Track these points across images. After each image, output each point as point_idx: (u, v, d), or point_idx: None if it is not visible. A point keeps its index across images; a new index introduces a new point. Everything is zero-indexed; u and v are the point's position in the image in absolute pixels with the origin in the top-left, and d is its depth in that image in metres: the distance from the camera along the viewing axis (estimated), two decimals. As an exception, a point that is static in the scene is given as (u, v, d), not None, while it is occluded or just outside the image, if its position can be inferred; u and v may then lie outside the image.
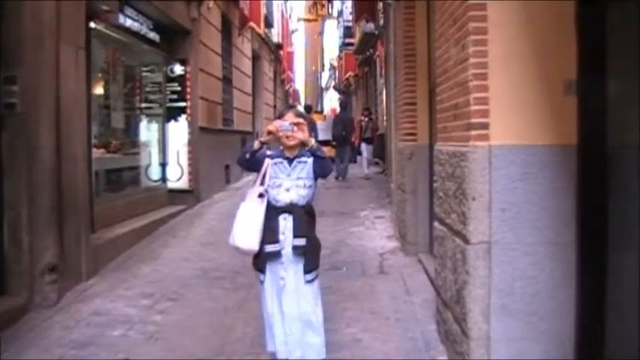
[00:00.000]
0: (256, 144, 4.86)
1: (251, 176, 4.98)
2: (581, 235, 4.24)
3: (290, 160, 4.84)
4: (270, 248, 4.75)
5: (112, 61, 10.97)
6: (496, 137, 4.29)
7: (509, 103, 4.32)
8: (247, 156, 4.86)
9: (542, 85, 4.35)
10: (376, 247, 9.60)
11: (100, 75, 10.36)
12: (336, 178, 19.84)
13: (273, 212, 4.78)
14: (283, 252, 4.75)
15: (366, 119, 22.05)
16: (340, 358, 5.34)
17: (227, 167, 17.13)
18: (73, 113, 7.51)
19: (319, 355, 4.83)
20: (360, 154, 22.53)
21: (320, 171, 4.84)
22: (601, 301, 4.07)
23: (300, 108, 27.38)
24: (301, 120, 4.86)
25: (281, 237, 4.75)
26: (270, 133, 4.83)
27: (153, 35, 12.44)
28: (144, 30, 11.89)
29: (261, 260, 4.81)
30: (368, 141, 21.52)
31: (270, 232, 4.76)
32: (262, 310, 4.99)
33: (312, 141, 4.81)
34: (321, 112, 28.13)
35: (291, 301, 4.77)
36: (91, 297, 7.14)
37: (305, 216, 4.80)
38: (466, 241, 4.40)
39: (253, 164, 4.89)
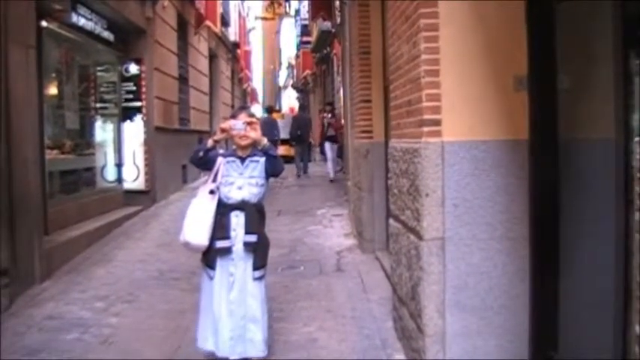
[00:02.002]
0: (210, 142, 4.93)
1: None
2: (534, 230, 4.27)
3: (242, 159, 4.91)
4: (221, 244, 4.81)
5: (65, 60, 10.83)
6: (448, 133, 4.30)
7: (461, 99, 4.33)
8: (200, 154, 4.94)
9: (493, 81, 4.37)
10: (333, 245, 9.60)
11: (52, 75, 10.21)
12: (298, 175, 19.88)
13: (224, 209, 4.83)
14: (234, 248, 4.84)
15: (329, 115, 20.13)
16: (296, 357, 5.31)
17: (184, 167, 17.01)
18: (24, 114, 7.39)
19: (261, 353, 4.88)
20: (323, 153, 21.08)
21: (272, 170, 4.95)
22: (554, 296, 4.10)
23: (254, 109, 27.31)
24: (254, 119, 4.89)
25: (232, 233, 4.83)
26: (223, 131, 4.88)
27: (107, 34, 12.30)
28: (98, 29, 11.73)
29: (211, 256, 4.86)
30: (332, 139, 19.47)
31: (221, 229, 4.81)
32: (203, 306, 5.00)
33: (265, 140, 4.90)
34: (279, 110, 28.03)
35: (239, 297, 4.82)
36: (44, 301, 7.03)
37: (256, 213, 4.91)
38: (420, 237, 4.40)
39: (206, 163, 4.97)
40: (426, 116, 4.33)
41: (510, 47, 4.36)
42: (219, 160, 4.90)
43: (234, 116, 5.08)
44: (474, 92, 4.36)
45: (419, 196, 4.40)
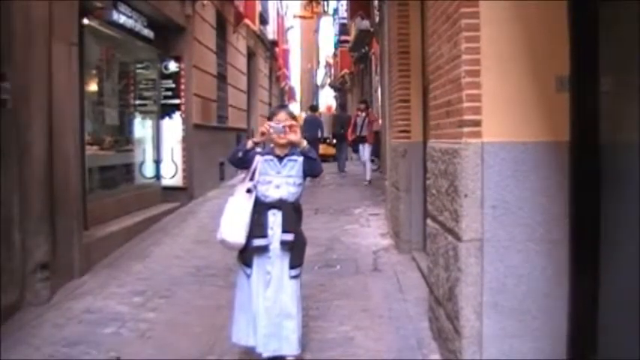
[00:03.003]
0: (249, 144, 4.93)
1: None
2: (574, 232, 4.23)
3: (280, 158, 4.93)
4: (258, 242, 4.84)
5: (105, 58, 10.94)
6: (488, 134, 4.27)
7: (502, 100, 4.30)
8: (239, 155, 4.96)
9: (534, 82, 4.33)
10: (370, 244, 9.58)
11: (93, 72, 10.32)
12: (341, 171, 19.82)
13: (261, 208, 4.86)
14: (271, 247, 4.86)
15: (363, 114, 18.73)
16: (332, 356, 5.31)
17: (221, 164, 17.08)
18: (66, 110, 7.48)
19: (295, 351, 4.90)
20: (356, 151, 20.34)
21: (310, 171, 5.00)
22: (594, 299, 4.05)
23: (291, 107, 27.39)
24: (294, 122, 4.94)
25: (269, 232, 4.85)
26: (263, 134, 4.89)
27: (147, 32, 12.42)
28: (138, 27, 11.85)
29: (248, 254, 4.89)
30: (364, 140, 18.45)
31: (258, 227, 4.84)
32: (239, 303, 5.04)
33: (304, 142, 4.94)
34: (317, 108, 28.12)
35: (275, 295, 4.85)
36: (82, 294, 7.11)
37: (293, 212, 4.92)
38: (458, 238, 4.38)
39: (244, 162, 4.98)
40: (466, 117, 4.31)
41: (552, 47, 4.32)
42: (257, 158, 4.93)
43: (273, 115, 5.09)
44: (514, 93, 4.33)
45: (458, 197, 4.38)
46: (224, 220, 4.89)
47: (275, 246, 4.86)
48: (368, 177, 18.12)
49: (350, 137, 19.50)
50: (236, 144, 19.29)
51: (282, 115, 5.00)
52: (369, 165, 18.45)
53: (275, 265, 4.86)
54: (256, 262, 4.87)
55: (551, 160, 4.29)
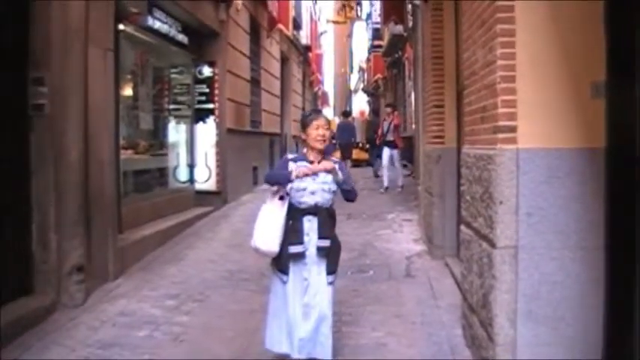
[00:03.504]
0: (294, 174, 4.81)
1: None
2: (610, 240, 4.18)
3: None
4: (294, 249, 4.81)
5: (140, 62, 11.02)
6: (523, 140, 4.25)
7: (537, 106, 4.28)
8: (279, 182, 4.91)
9: (569, 87, 4.30)
10: (403, 250, 9.55)
11: (128, 76, 10.40)
12: (376, 176, 19.52)
13: (296, 214, 4.84)
14: (307, 253, 4.83)
15: (389, 119, 17.99)
16: (365, 361, 5.32)
17: (255, 169, 17.16)
18: (101, 114, 7.56)
19: (328, 355, 4.88)
20: (379, 156, 19.07)
21: (345, 198, 5.02)
22: (630, 308, 4.00)
23: (325, 112, 27.53)
24: (335, 164, 4.90)
25: (305, 238, 4.83)
26: (306, 175, 4.83)
27: (181, 37, 12.53)
28: (172, 32, 11.96)
29: (283, 261, 4.86)
30: (390, 145, 17.53)
31: (294, 234, 4.82)
32: (274, 309, 5.02)
33: (340, 174, 4.90)
34: (350, 113, 28.10)
35: (312, 301, 4.83)
36: (117, 297, 7.18)
37: (328, 218, 4.90)
38: (492, 245, 4.36)
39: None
40: (501, 123, 4.29)
41: (588, 53, 4.29)
42: (290, 165, 4.91)
43: (310, 120, 5.00)
44: (549, 99, 4.30)
45: (492, 204, 4.36)
46: (257, 227, 4.89)
47: (311, 252, 4.83)
48: (386, 183, 17.34)
49: (379, 141, 18.87)
50: (269, 148, 19.38)
51: (321, 121, 4.98)
52: (385, 172, 17.55)
53: (312, 271, 4.84)
54: (292, 268, 4.85)
55: (586, 167, 4.26)
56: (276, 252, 4.83)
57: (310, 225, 4.84)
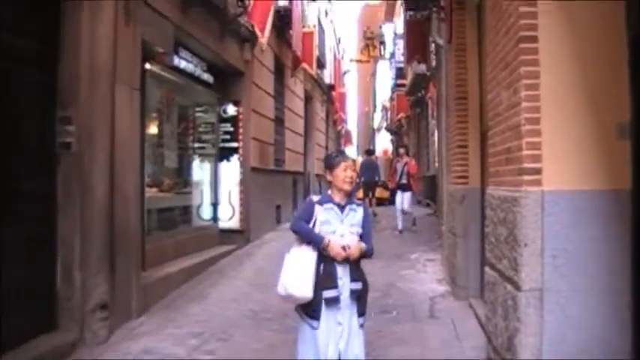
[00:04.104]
0: (327, 246, 4.70)
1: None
2: (637, 282, 4.15)
3: (342, 207, 4.85)
4: (330, 294, 4.68)
5: (166, 101, 11.15)
6: (548, 182, 4.25)
7: (562, 148, 4.28)
8: (309, 241, 4.78)
9: (594, 129, 4.31)
10: (426, 290, 9.49)
11: (154, 115, 10.52)
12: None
13: (328, 258, 4.71)
14: (341, 297, 4.71)
15: (403, 160, 17.53)
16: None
17: (278, 207, 17.20)
18: (127, 153, 7.64)
19: None
20: (393, 203, 18.81)
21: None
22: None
23: (348, 150, 27.47)
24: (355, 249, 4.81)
25: (339, 282, 4.71)
26: (338, 254, 4.73)
27: (207, 76, 12.68)
28: (198, 71, 12.11)
29: (314, 306, 4.71)
30: (404, 188, 17.15)
31: (327, 278, 4.69)
32: (303, 355, 4.83)
33: (364, 246, 4.84)
34: (373, 152, 28.11)
35: (347, 345, 4.72)
36: (140, 335, 7.18)
37: (358, 260, 4.79)
38: (517, 287, 4.33)
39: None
40: (526, 164, 4.29)
41: (613, 94, 4.31)
42: (317, 208, 4.83)
43: (338, 162, 4.93)
44: (575, 140, 4.31)
45: (517, 246, 4.34)
46: (289, 273, 4.74)
47: (345, 296, 4.71)
48: (400, 226, 16.80)
49: (390, 184, 18.64)
50: (292, 187, 19.40)
51: (349, 162, 4.95)
52: (399, 215, 16.97)
53: (345, 315, 4.71)
54: (326, 313, 4.70)
55: (612, 208, 4.24)
56: (310, 297, 4.67)
57: (343, 268, 4.73)
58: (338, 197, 4.86)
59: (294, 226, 4.88)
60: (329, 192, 4.95)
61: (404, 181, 17.20)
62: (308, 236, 4.76)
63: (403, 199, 17.02)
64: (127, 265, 7.60)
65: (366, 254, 4.84)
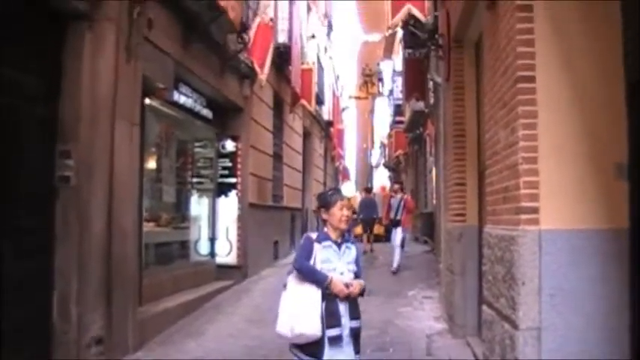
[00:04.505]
0: (331, 284, 4.69)
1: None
2: (635, 321, 4.15)
3: (339, 244, 4.86)
4: (333, 332, 4.65)
5: (165, 136, 11.18)
6: (546, 221, 4.27)
7: (560, 187, 4.31)
8: (313, 281, 4.74)
9: (592, 169, 4.33)
10: (424, 328, 9.45)
11: (153, 149, 10.54)
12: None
13: (331, 296, 4.70)
14: (343, 335, 4.70)
15: (398, 196, 17.42)
16: None
17: (276, 243, 17.17)
18: (126, 187, 7.65)
19: None
20: (388, 240, 18.68)
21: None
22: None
23: (345, 186, 27.52)
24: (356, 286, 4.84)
25: (342, 320, 4.70)
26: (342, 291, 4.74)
27: (206, 112, 12.75)
28: (197, 107, 12.18)
29: (318, 345, 4.65)
30: (398, 224, 16.86)
31: (331, 316, 4.67)
32: None
33: (364, 284, 4.88)
34: (372, 190, 28.12)
35: None
36: (136, 371, 7.15)
37: (356, 298, 4.79)
38: (515, 326, 4.33)
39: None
40: (524, 204, 4.31)
41: (610, 134, 4.35)
42: (315, 247, 4.80)
43: (333, 200, 4.94)
44: (572, 180, 4.33)
45: (515, 284, 4.35)
46: (295, 312, 4.67)
47: (346, 334, 4.70)
48: (395, 264, 16.17)
49: (385, 220, 18.44)
50: (291, 222, 19.39)
51: (345, 200, 4.96)
52: (397, 251, 16.38)
53: (345, 353, 4.69)
54: (329, 352, 4.64)
55: (609, 247, 4.26)
56: (319, 336, 4.61)
57: (344, 307, 4.73)
58: (334, 235, 4.87)
59: (298, 265, 4.81)
60: (325, 229, 4.95)
61: (399, 217, 16.97)
62: (313, 275, 4.74)
63: (395, 235, 16.82)
64: (123, 299, 7.58)
65: (363, 292, 4.85)
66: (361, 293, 4.85)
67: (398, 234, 16.70)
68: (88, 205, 6.94)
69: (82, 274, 6.83)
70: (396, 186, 18.84)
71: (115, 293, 7.34)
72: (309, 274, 4.74)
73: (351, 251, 4.90)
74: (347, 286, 4.73)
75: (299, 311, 4.66)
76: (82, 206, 6.88)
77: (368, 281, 5.26)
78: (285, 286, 4.86)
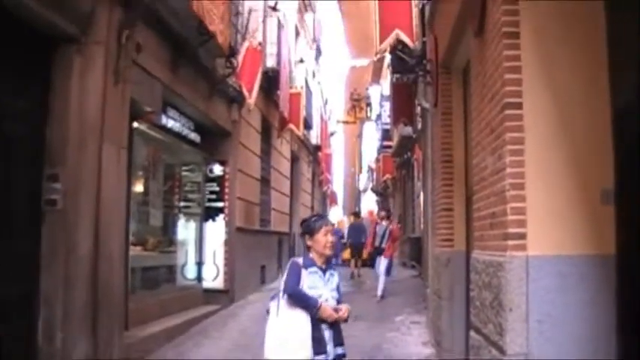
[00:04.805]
0: (320, 308, 4.69)
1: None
2: (623, 347, 4.14)
3: (324, 270, 4.88)
4: (320, 359, 4.66)
5: (152, 159, 11.19)
6: (533, 247, 4.26)
7: (547, 213, 4.31)
8: (304, 306, 4.72)
9: (579, 194, 4.34)
10: (411, 353, 9.44)
11: (140, 173, 10.54)
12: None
13: (316, 322, 4.69)
14: None
15: (384, 223, 17.40)
16: None
17: (263, 267, 17.12)
18: (113, 211, 7.61)
19: None
20: (372, 266, 18.20)
21: None
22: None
23: (333, 210, 27.55)
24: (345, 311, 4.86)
25: (327, 347, 4.71)
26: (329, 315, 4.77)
27: (194, 136, 12.76)
28: (185, 131, 12.19)
29: None
30: (381, 252, 16.76)
31: (316, 343, 4.66)
32: None
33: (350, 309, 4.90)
34: (359, 214, 28.20)
35: None
36: (121, 397, 7.08)
37: (339, 324, 4.79)
38: (502, 352, 4.32)
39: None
40: (511, 229, 4.31)
41: (597, 160, 4.36)
42: (303, 273, 4.80)
43: (317, 226, 4.95)
44: (559, 206, 4.34)
45: (502, 310, 4.34)
46: (285, 338, 4.63)
47: None
48: (379, 292, 15.96)
49: (369, 247, 18.32)
50: (278, 246, 19.35)
51: (329, 226, 4.97)
52: (382, 279, 16.17)
53: None
54: None
55: (597, 273, 4.26)
56: None
57: (329, 333, 4.75)
58: (319, 261, 4.89)
59: (290, 290, 4.75)
60: (310, 255, 4.94)
61: (384, 245, 16.85)
62: (304, 300, 4.72)
63: (379, 263, 16.65)
64: (109, 324, 7.52)
65: (347, 317, 4.85)
66: (346, 319, 4.84)
67: (382, 262, 16.55)
68: (74, 228, 6.91)
69: (68, 298, 6.77)
70: (383, 213, 18.99)
71: (101, 317, 7.28)
72: (301, 300, 4.73)
73: (334, 278, 4.93)
74: (336, 310, 4.73)
75: (288, 336, 4.63)
76: (69, 230, 6.84)
77: (355, 306, 5.27)
78: (268, 312, 4.84)
